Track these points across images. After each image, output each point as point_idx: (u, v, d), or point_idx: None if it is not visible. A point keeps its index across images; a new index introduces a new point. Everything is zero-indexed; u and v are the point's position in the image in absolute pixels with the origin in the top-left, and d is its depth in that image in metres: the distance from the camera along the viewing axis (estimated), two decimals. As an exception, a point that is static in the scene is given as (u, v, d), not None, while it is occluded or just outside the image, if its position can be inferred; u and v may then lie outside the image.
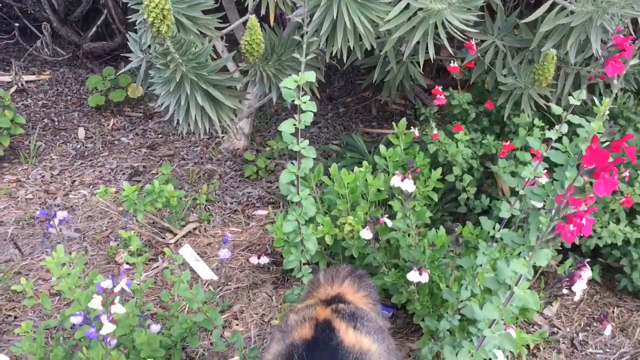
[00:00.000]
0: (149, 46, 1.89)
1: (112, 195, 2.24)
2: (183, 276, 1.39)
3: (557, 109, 1.24)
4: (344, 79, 3.13)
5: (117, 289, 1.17)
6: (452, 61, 1.93)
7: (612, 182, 0.75)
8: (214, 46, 2.27)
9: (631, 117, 1.86)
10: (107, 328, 1.14)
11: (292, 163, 1.33)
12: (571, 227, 0.81)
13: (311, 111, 1.28)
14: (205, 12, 1.92)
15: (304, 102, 1.26)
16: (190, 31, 1.83)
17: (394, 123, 1.85)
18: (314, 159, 2.58)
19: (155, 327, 1.34)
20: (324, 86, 3.12)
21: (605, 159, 0.74)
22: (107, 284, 1.21)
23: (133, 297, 1.61)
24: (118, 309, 1.17)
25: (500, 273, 0.93)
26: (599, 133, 0.88)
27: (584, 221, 0.81)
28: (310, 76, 1.26)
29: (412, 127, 1.90)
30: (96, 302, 1.13)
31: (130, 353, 1.45)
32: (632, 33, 1.69)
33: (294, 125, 1.27)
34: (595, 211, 1.40)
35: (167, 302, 1.67)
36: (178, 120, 1.89)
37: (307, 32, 1.72)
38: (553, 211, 0.83)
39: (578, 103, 1.20)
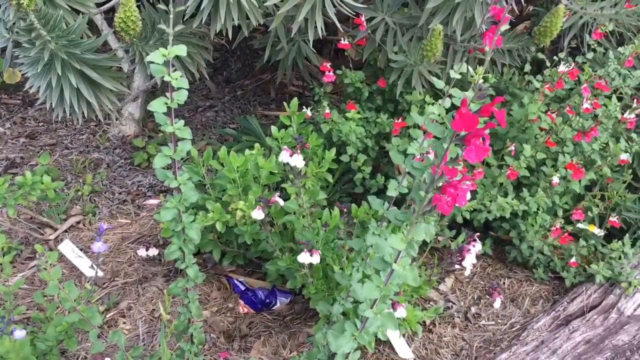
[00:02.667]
0: (14, 23, 1.71)
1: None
2: (53, 273, 1.26)
3: (439, 83, 1.22)
4: (241, 61, 3.03)
5: (-35, 294, 1.03)
6: (343, 38, 1.88)
7: (483, 149, 0.73)
8: (93, 23, 2.10)
9: (516, 92, 1.90)
10: (-46, 338, 1.01)
11: (167, 146, 1.24)
12: (446, 197, 0.78)
13: (184, 88, 1.18)
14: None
15: (175, 79, 1.16)
16: (59, 6, 1.67)
17: (285, 103, 1.79)
18: (209, 142, 2.48)
19: (19, 333, 1.21)
20: (221, 69, 3.01)
21: (475, 123, 0.71)
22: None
23: (4, 301, 1.46)
24: (-32, 316, 1.04)
25: (379, 249, 0.89)
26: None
27: (458, 191, 0.78)
28: (181, 49, 1.16)
29: (305, 107, 1.85)
30: (-63, 310, 0.99)
31: (-4, 363, 1.31)
32: (513, 6, 1.72)
33: (166, 104, 1.17)
34: (469, 179, 1.41)
35: (42, 303, 1.52)
36: (52, 105, 1.73)
37: (186, 7, 1.62)
38: (428, 183, 0.80)
39: (459, 76, 1.18)
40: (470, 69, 0.92)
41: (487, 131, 0.81)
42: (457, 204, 0.78)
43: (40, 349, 1.40)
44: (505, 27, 0.95)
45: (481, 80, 0.87)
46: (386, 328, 0.89)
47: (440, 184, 0.79)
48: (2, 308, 1.39)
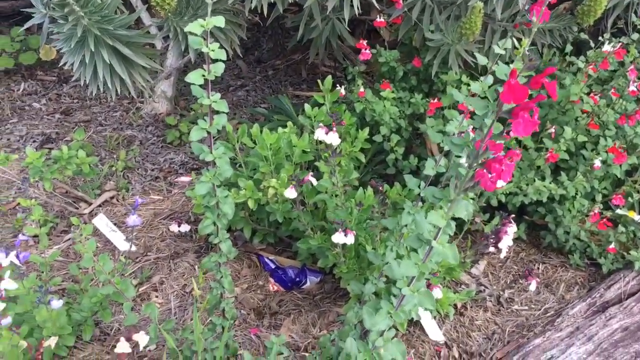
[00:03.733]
0: (50, -1, 1.72)
1: (19, 164, 2.07)
2: (88, 246, 1.28)
3: (482, 59, 1.18)
4: (273, 40, 3.01)
5: (5, 263, 1.05)
6: (378, 16, 1.85)
7: (532, 122, 0.70)
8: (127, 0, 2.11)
9: (557, 73, 1.85)
10: (-6, 305, 1.02)
11: (203, 119, 1.23)
12: (490, 173, 0.76)
13: (222, 60, 1.17)
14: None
15: (213, 50, 1.15)
16: (95, -19, 1.67)
17: (319, 82, 1.77)
18: (240, 122, 2.47)
19: (56, 303, 1.23)
20: (253, 49, 2.99)
21: (525, 95, 0.68)
22: (-1, 257, 1.09)
23: (40, 272, 1.49)
24: (8, 284, 1.05)
25: (418, 226, 0.88)
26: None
27: (503, 166, 0.75)
28: (219, 21, 1.14)
29: (338, 86, 1.83)
30: (-21, 278, 1.01)
31: (33, 331, 1.33)
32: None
33: (203, 76, 1.17)
34: (516, 156, 1.39)
35: (78, 275, 1.54)
36: (86, 81, 1.74)
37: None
38: (471, 158, 0.77)
39: (503, 52, 1.14)
40: (516, 41, 0.88)
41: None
42: (501, 180, 0.76)
43: (75, 319, 1.43)
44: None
45: (527, 51, 0.83)
46: (423, 306, 0.88)
47: (484, 160, 0.77)
48: (38, 279, 1.41)
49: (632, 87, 1.59)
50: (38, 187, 1.94)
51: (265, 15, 1.73)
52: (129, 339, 1.20)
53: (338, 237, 1.39)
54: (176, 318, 1.57)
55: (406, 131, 1.89)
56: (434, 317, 1.56)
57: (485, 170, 0.77)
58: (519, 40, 1.90)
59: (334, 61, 2.83)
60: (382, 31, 1.96)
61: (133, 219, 1.31)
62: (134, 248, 1.75)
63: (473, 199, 1.63)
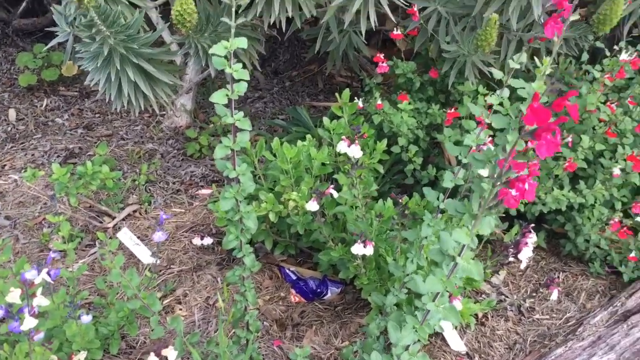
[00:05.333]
0: (75, 18, 1.77)
1: (45, 180, 2.12)
2: (115, 261, 1.31)
3: (498, 73, 1.20)
4: (290, 52, 3.04)
5: (37, 280, 1.08)
6: (395, 29, 1.87)
7: (554, 143, 0.72)
8: (148, 17, 2.15)
9: (573, 82, 1.85)
10: (29, 323, 1.06)
11: (227, 137, 1.26)
12: (514, 192, 0.78)
13: (245, 80, 1.20)
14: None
15: (236, 71, 1.18)
16: (118, 1, 1.72)
17: (337, 94, 1.79)
18: (258, 133, 2.51)
19: (86, 318, 1.26)
20: (269, 60, 3.03)
21: (547, 117, 0.70)
22: (31, 274, 1.13)
23: (67, 286, 1.53)
24: (41, 301, 1.09)
25: (443, 244, 0.89)
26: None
27: (526, 186, 0.77)
28: (242, 42, 1.18)
29: (356, 98, 1.85)
30: (14, 296, 1.04)
31: (63, 346, 1.37)
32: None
33: (227, 95, 1.20)
34: (538, 175, 1.39)
35: (104, 289, 1.58)
36: (111, 97, 1.78)
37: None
38: (495, 176, 0.79)
39: (518, 66, 1.16)
40: (537, 59, 0.90)
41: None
42: (524, 199, 0.77)
43: (102, 333, 1.46)
44: (574, 16, 0.93)
45: (549, 71, 0.85)
46: (448, 321, 0.89)
47: (507, 178, 0.78)
48: (66, 293, 1.45)
49: (649, 96, 1.60)
50: (64, 202, 1.99)
51: (283, 30, 1.76)
52: (158, 354, 1.23)
53: (357, 248, 1.41)
54: (200, 330, 1.60)
55: (424, 141, 1.91)
56: (455, 328, 1.57)
57: (508, 189, 0.78)
58: (537, 51, 1.92)
59: (350, 71, 2.85)
60: (399, 43, 1.98)
61: (159, 235, 1.34)
62: (157, 261, 1.78)
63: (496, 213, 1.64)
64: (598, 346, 1.47)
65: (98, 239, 1.86)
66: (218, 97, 1.20)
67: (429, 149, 1.97)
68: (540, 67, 0.86)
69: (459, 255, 0.88)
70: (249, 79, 1.21)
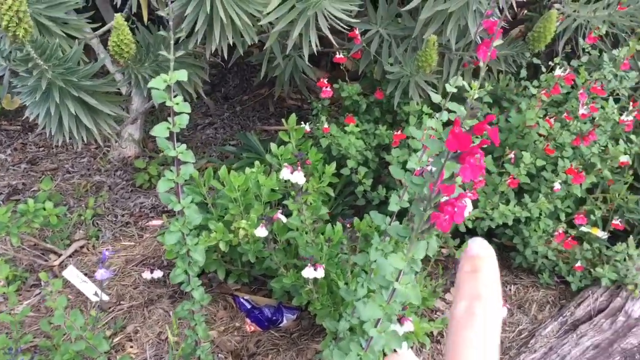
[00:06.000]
0: (10, 52, 1.72)
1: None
2: (58, 302, 1.27)
3: (435, 97, 1.22)
4: (239, 76, 3.04)
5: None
6: (338, 52, 1.89)
7: (478, 167, 0.73)
8: (90, 48, 2.12)
9: (514, 98, 1.91)
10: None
11: (170, 170, 1.24)
12: (444, 215, 0.78)
13: (186, 113, 1.19)
14: (79, 11, 1.79)
15: (177, 104, 1.17)
16: (55, 34, 1.69)
17: (283, 120, 1.79)
18: (209, 161, 2.48)
19: (27, 364, 1.21)
20: (219, 85, 3.02)
21: (468, 142, 0.71)
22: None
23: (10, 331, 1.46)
24: (-25, 350, 1.04)
25: (381, 269, 0.89)
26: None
27: (455, 209, 0.78)
28: (182, 75, 1.16)
29: (303, 123, 1.86)
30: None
31: (5, 394, 1.31)
32: (508, 15, 1.73)
33: (168, 128, 1.18)
34: (471, 197, 1.42)
35: (49, 331, 1.52)
36: (51, 131, 1.74)
37: (181, 29, 1.63)
38: (425, 200, 0.80)
39: (455, 90, 1.18)
40: (465, 83, 0.92)
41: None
42: (455, 222, 0.78)
43: (49, 377, 1.41)
44: (498, 42, 0.96)
45: (476, 96, 0.87)
46: (391, 347, 0.89)
47: (438, 202, 0.79)
48: (9, 338, 1.39)
49: (582, 110, 1.65)
50: (5, 241, 1.92)
51: (226, 57, 1.75)
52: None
53: (308, 272, 1.41)
54: (153, 367, 1.56)
55: (373, 162, 1.92)
56: (411, 347, 1.57)
57: (439, 212, 0.79)
58: (475, 71, 1.97)
59: (300, 94, 2.87)
60: (347, 64, 2.00)
61: (101, 273, 1.30)
62: (106, 298, 1.73)
63: (438, 233, 1.66)
64: (550, 357, 1.49)
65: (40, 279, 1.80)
66: (159, 131, 1.18)
67: (379, 170, 1.99)
68: (470, 91, 0.88)
69: (397, 280, 0.88)
70: (190, 111, 1.20)
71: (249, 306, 1.75)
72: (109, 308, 1.73)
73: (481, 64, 0.92)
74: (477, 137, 0.72)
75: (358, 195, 1.89)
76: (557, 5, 1.92)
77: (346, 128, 1.84)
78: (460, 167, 0.73)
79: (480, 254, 0.34)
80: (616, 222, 1.73)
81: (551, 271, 1.83)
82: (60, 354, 1.38)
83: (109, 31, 1.95)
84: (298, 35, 1.68)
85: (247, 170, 1.71)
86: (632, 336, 1.54)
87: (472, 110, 0.75)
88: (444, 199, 0.80)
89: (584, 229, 1.75)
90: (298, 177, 1.41)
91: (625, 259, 1.70)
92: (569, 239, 1.72)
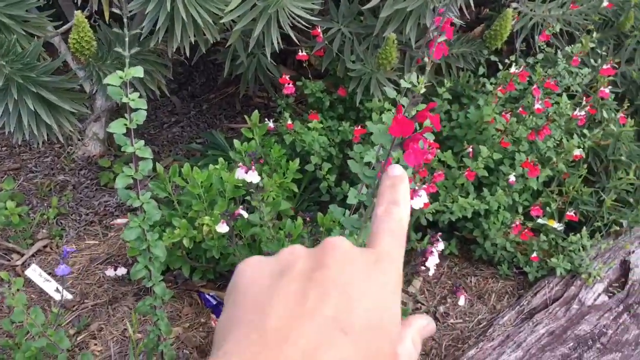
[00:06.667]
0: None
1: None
2: (17, 299, 1.26)
3: (391, 92, 1.25)
4: (206, 75, 3.04)
5: None
6: (300, 50, 1.91)
7: (421, 152, 0.76)
8: (52, 45, 2.10)
9: (473, 95, 1.95)
10: None
11: (128, 166, 1.25)
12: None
13: (143, 109, 1.20)
14: (40, 9, 1.78)
15: (133, 100, 1.17)
16: (15, 32, 1.67)
17: (245, 116, 1.81)
18: (175, 159, 2.48)
19: (-14, 362, 1.20)
20: (186, 84, 3.01)
21: (411, 128, 0.75)
22: None
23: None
24: None
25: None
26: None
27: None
28: (138, 71, 1.17)
29: (268, 120, 1.87)
30: None
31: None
32: (466, 14, 1.77)
33: (125, 125, 1.19)
34: (426, 188, 1.45)
35: (11, 330, 1.51)
36: (11, 129, 1.72)
37: (142, 27, 1.64)
38: (372, 189, 0.83)
39: (409, 85, 1.21)
40: (414, 79, 0.95)
41: (432, 136, 0.84)
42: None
43: (10, 376, 1.40)
44: (442, 38, 0.99)
45: (423, 89, 0.90)
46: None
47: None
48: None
49: (537, 105, 1.71)
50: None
51: (188, 55, 1.76)
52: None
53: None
54: (117, 364, 1.56)
55: (337, 158, 1.95)
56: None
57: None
58: (438, 68, 2.01)
59: (266, 92, 2.88)
60: (306, 63, 2.02)
61: (62, 269, 1.30)
62: (70, 296, 1.73)
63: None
64: (506, 345, 1.54)
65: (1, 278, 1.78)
66: (116, 127, 1.19)
67: (343, 165, 2.02)
68: (417, 85, 0.91)
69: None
70: (146, 107, 1.21)
71: (214, 302, 1.76)
72: (73, 307, 1.72)
73: (426, 59, 0.95)
74: (420, 124, 0.75)
75: (322, 191, 1.91)
76: (514, 4, 1.98)
77: (309, 124, 1.87)
78: (405, 152, 0.76)
79: (399, 175, 0.43)
80: (571, 213, 1.79)
81: (510, 262, 1.88)
82: (22, 351, 1.37)
83: (71, 29, 1.94)
84: (260, 34, 1.70)
85: (211, 166, 1.72)
86: (585, 323, 1.59)
87: (414, 98, 0.78)
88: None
89: (540, 221, 1.80)
90: (252, 177, 1.42)
91: (579, 250, 1.76)
92: (526, 230, 1.77)
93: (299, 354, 0.30)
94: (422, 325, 0.40)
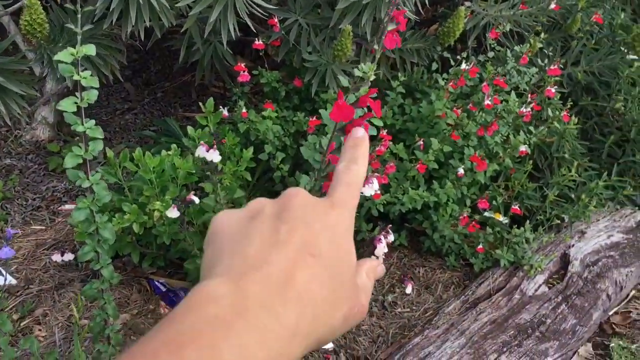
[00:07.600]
0: None
1: None
2: (-43, 282, 1.23)
3: (344, 81, 1.27)
4: (161, 62, 3.00)
5: None
6: (257, 39, 1.92)
7: (347, 108, 0.79)
8: (2, 27, 2.04)
9: (426, 90, 2.00)
10: None
11: (78, 146, 1.23)
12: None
13: (95, 87, 1.18)
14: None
15: (85, 78, 1.16)
16: (-40, 7, 1.62)
17: (200, 103, 1.80)
18: (127, 145, 2.44)
19: None
20: (140, 71, 2.97)
21: (351, 113, 0.77)
22: None
23: None
24: None
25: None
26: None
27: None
28: (90, 49, 1.15)
29: (221, 107, 1.87)
30: None
31: None
32: (420, 10, 1.81)
33: (76, 103, 1.17)
34: (378, 177, 1.48)
35: (-50, 314, 1.46)
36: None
37: (95, 8, 1.61)
38: (317, 172, 0.85)
39: (362, 75, 1.24)
40: (364, 68, 0.97)
41: (381, 123, 0.87)
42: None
43: (-52, 361, 1.36)
44: (392, 27, 1.02)
45: (373, 77, 0.92)
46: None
47: (328, 173, 0.84)
48: None
49: (487, 101, 1.76)
50: None
51: (143, 40, 1.74)
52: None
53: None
54: (61, 350, 1.53)
55: (292, 148, 1.96)
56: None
57: (329, 182, 0.84)
58: (393, 63, 2.04)
59: (223, 81, 2.87)
60: (262, 52, 2.02)
61: (5, 251, 1.27)
62: (13, 281, 1.69)
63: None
64: (450, 332, 1.59)
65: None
66: (66, 105, 1.17)
67: (298, 156, 2.03)
68: (367, 72, 0.94)
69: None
70: (98, 86, 1.19)
71: (164, 289, 1.75)
72: (17, 292, 1.68)
73: (376, 46, 0.98)
74: (362, 110, 0.77)
75: (276, 180, 1.92)
76: (467, 3, 2.03)
77: (264, 113, 1.87)
78: (345, 137, 0.78)
79: (361, 136, 0.50)
80: (516, 207, 1.85)
81: (457, 254, 1.94)
82: (-40, 336, 1.34)
83: (21, 9, 1.89)
84: (217, 20, 1.69)
85: (163, 152, 1.71)
86: (525, 312, 1.66)
87: (355, 84, 0.80)
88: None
89: (487, 214, 1.86)
90: (213, 156, 1.42)
91: (522, 242, 1.83)
92: (473, 223, 1.82)
93: (278, 272, 0.36)
94: (374, 265, 0.46)
